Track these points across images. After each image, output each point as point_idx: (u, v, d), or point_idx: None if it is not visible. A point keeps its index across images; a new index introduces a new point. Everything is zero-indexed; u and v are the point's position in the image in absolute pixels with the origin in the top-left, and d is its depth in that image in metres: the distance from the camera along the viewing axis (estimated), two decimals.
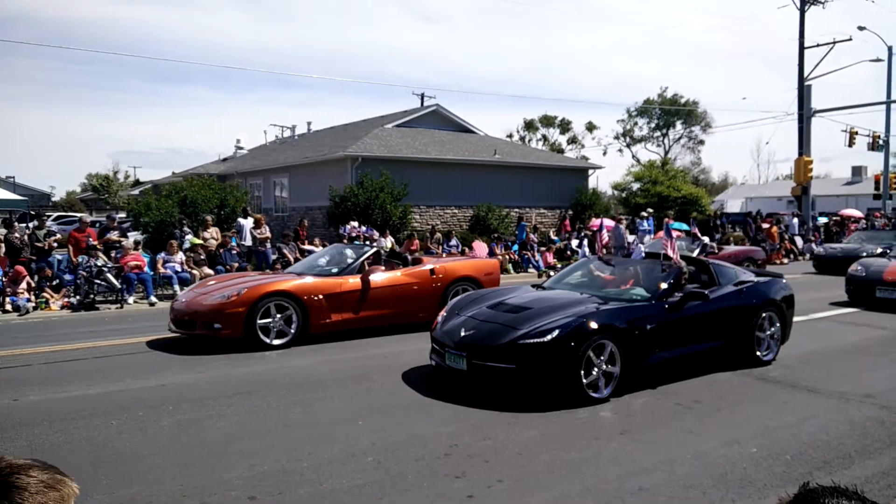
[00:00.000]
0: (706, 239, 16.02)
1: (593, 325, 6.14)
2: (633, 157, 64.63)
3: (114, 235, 15.50)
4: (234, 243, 16.28)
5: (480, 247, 18.76)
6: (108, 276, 13.04)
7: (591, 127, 64.25)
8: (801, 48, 30.00)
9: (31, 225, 15.19)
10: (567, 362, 5.97)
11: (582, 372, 6.04)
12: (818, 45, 29.81)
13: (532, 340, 6.04)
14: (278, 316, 8.68)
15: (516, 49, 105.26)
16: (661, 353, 6.70)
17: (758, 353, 7.64)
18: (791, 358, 8.15)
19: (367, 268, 9.65)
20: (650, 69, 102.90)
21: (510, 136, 61.52)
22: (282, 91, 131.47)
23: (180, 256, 14.56)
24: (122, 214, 29.01)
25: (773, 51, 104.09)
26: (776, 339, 7.91)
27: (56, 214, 36.84)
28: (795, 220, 26.91)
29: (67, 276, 13.58)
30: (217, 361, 8.01)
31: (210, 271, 14.51)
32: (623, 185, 32.77)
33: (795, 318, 8.57)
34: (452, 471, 4.61)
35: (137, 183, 56.11)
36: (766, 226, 24.78)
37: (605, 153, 66.66)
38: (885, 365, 8.02)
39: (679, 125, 64.49)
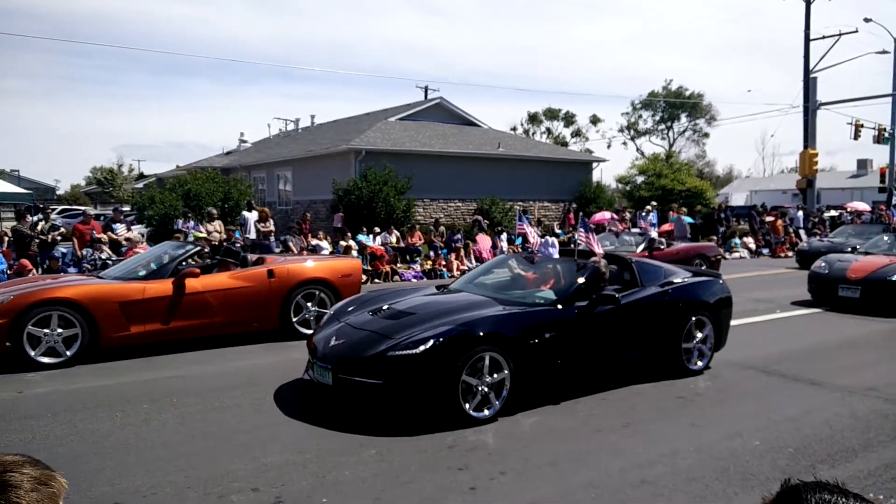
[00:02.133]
0: (654, 233, 15.16)
1: (477, 333, 5.41)
2: (638, 150, 64.54)
3: (121, 229, 15.54)
4: (237, 237, 16.30)
5: (484, 240, 18.74)
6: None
7: (595, 120, 64.16)
8: (807, 40, 29.83)
9: (36, 218, 15.22)
10: (442, 377, 5.21)
11: (460, 388, 5.28)
12: (824, 38, 29.64)
13: (402, 352, 5.27)
14: (58, 329, 7.27)
15: (520, 42, 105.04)
16: (566, 364, 5.98)
17: (685, 362, 6.93)
18: (794, 351, 8.15)
19: (183, 270, 8.31)
20: (655, 62, 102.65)
21: (514, 129, 61.44)
22: (285, 84, 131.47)
23: None
24: (127, 208, 29.07)
25: (779, 43, 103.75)
26: (709, 346, 7.16)
27: (61, 208, 36.92)
28: (801, 213, 26.82)
29: (72, 269, 13.61)
30: (222, 354, 8.04)
31: None
32: (627, 178, 32.73)
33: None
34: (455, 463, 4.62)
35: (142, 176, 56.16)
36: (770, 219, 24.70)
37: (609, 146, 66.36)
38: (888, 358, 8.01)
39: (684, 118, 64.31)
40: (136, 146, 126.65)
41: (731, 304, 7.51)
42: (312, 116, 37.57)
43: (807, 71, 29.67)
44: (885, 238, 13.27)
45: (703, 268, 14.12)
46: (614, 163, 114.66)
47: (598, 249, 7.33)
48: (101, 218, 19.76)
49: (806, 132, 29.23)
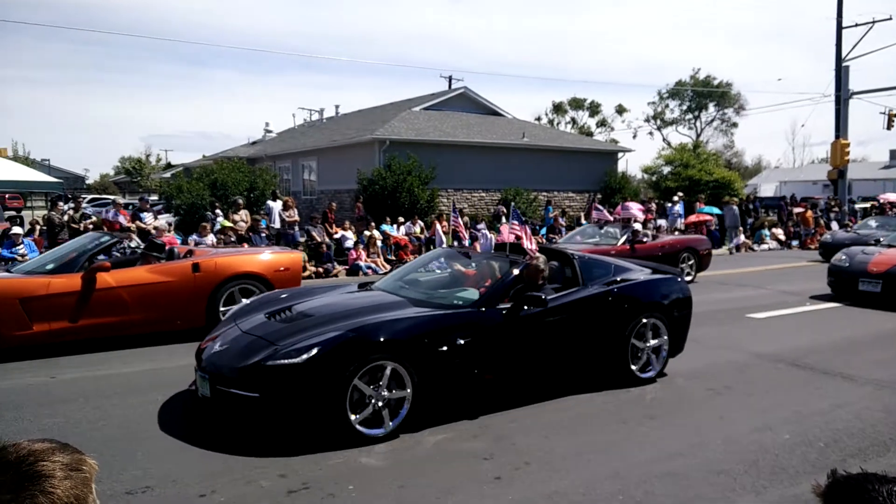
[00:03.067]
0: (638, 225, 14.22)
1: (373, 340, 4.80)
2: (664, 140, 63.70)
3: (148, 217, 15.76)
4: (263, 226, 16.43)
5: (507, 230, 18.66)
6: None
7: (620, 110, 63.43)
8: (839, 28, 29.16)
9: (68, 206, 15.49)
10: (327, 390, 4.59)
11: (348, 403, 4.66)
12: (856, 25, 28.93)
13: (282, 362, 4.66)
14: None
15: (546, 30, 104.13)
16: (485, 374, 5.36)
17: (633, 369, 6.26)
18: (823, 345, 8.01)
19: (94, 264, 7.78)
20: (683, 50, 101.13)
21: (538, 119, 60.98)
22: (310, 74, 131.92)
23: (211, 238, 14.75)
24: (155, 197, 29.45)
25: (811, 30, 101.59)
26: (662, 351, 6.50)
27: (90, 197, 37.54)
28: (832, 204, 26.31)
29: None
30: None
31: None
32: (653, 168, 32.30)
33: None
34: (479, 453, 4.63)
35: (169, 166, 56.82)
36: (800, 210, 24.27)
37: (635, 136, 65.57)
38: None
39: (712, 107, 63.28)
40: (163, 136, 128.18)
41: (689, 306, 6.81)
42: (337, 106, 37.72)
43: (839, 59, 29.03)
44: None
45: (692, 262, 13.58)
46: (640, 153, 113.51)
47: (532, 244, 6.78)
48: (130, 207, 20.05)
49: (838, 122, 28.64)
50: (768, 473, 4.29)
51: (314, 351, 4.68)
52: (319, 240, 16.42)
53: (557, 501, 3.92)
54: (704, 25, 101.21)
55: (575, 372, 6.11)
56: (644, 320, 6.33)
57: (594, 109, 63.44)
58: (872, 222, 19.31)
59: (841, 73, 28.86)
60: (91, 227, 14.96)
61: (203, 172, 20.58)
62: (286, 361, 4.66)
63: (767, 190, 53.76)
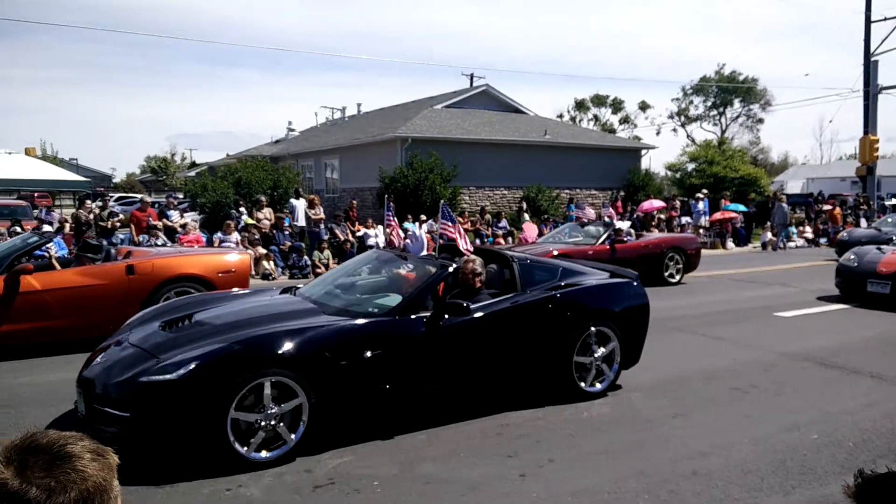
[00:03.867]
0: (621, 224, 13.53)
1: (262, 353, 4.33)
2: (688, 136, 63.03)
3: (174, 215, 15.98)
4: (287, 223, 16.56)
5: (530, 228, 18.62)
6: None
7: (644, 106, 62.87)
8: (868, 22, 28.63)
9: (95, 205, 15.77)
10: (205, 410, 4.10)
11: (229, 424, 4.16)
12: (885, 19, 28.38)
13: (155, 378, 4.17)
14: None
15: (568, 27, 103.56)
16: (398, 390, 4.83)
17: (579, 383, 5.68)
18: (854, 344, 7.89)
19: (18, 266, 7.29)
20: (708, 46, 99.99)
21: (560, 116, 60.71)
22: (332, 73, 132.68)
23: (236, 236, 14.90)
24: (180, 195, 29.81)
25: (838, 25, 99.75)
26: (613, 362, 5.91)
27: (117, 195, 38.10)
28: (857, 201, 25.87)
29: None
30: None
31: (264, 251, 14.82)
32: (677, 165, 31.99)
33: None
34: (504, 450, 4.63)
35: (194, 165, 57.49)
36: (828, 207, 23.90)
37: (658, 133, 64.95)
38: None
39: (737, 103, 62.49)
40: (188, 135, 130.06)
41: (645, 312, 6.22)
42: (359, 105, 37.89)
43: (867, 54, 28.51)
44: None
45: (678, 262, 13.01)
46: (663, 150, 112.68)
47: (467, 245, 6.37)
48: (156, 205, 20.34)
49: (866, 117, 28.13)
50: (797, 474, 4.24)
51: (192, 366, 4.17)
52: (343, 237, 16.52)
53: (583, 499, 3.91)
54: (730, 20, 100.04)
55: (510, 386, 5.56)
56: (592, 329, 5.75)
57: (617, 106, 62.96)
58: (892, 219, 18.76)
59: (869, 68, 28.35)
60: (119, 224, 15.20)
61: (227, 171, 20.79)
62: (159, 378, 4.17)
63: (794, 187, 52.97)
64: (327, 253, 15.17)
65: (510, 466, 4.35)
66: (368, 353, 4.66)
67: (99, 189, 22.72)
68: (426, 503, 3.90)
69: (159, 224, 14.63)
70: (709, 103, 63.23)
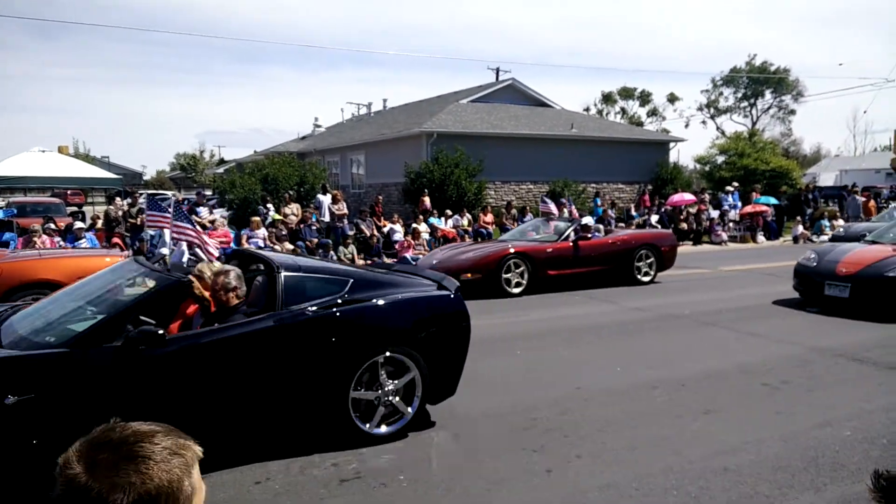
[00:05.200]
0: (588, 219, 12.75)
1: None
2: (718, 128, 62.06)
3: (204, 212, 16.19)
4: (314, 219, 16.68)
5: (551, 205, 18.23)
6: (197, 250, 13.62)
7: (672, 98, 62.06)
8: None
9: (126, 202, 16.05)
10: None
11: None
12: None
13: None
14: None
15: (595, 18, 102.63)
16: (57, 448, 2.87)
17: (360, 425, 4.61)
18: (887, 339, 7.71)
19: None
20: (738, 36, 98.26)
21: (587, 109, 60.15)
22: (359, 69, 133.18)
23: (263, 232, 15.05)
24: (209, 192, 30.19)
25: (873, 14, 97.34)
26: (414, 397, 4.83)
27: (148, 192, 38.70)
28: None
29: (163, 250, 14.26)
30: None
31: (290, 246, 14.95)
32: (707, 158, 31.53)
33: None
34: (531, 445, 4.62)
35: (222, 162, 58.11)
36: (862, 199, 23.40)
37: (687, 125, 64.05)
38: None
39: (768, 94, 61.32)
40: (217, 132, 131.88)
41: (465, 334, 5.08)
42: (384, 100, 37.96)
43: None
44: None
45: (651, 260, 12.26)
46: (692, 143, 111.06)
47: (213, 252, 5.28)
48: (185, 202, 20.61)
49: None
50: (829, 470, 4.16)
51: None
52: (368, 233, 16.59)
53: (610, 494, 3.88)
54: (761, 10, 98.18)
55: (262, 432, 4.52)
56: (382, 357, 4.69)
57: (645, 99, 62.24)
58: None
59: None
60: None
61: (255, 167, 21.02)
62: None
63: (827, 179, 51.86)
64: (352, 248, 15.25)
65: (536, 461, 4.34)
66: (11, 399, 3.53)
67: (128, 187, 23.07)
68: (452, 497, 3.90)
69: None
70: (739, 95, 62.20)
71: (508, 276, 11.10)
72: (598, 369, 6.52)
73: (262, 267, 5.12)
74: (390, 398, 4.75)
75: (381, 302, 4.83)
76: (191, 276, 4.77)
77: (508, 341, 7.68)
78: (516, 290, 11.08)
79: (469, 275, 10.65)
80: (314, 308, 4.57)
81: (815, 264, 9.79)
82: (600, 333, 8.24)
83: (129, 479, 1.03)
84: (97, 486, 1.01)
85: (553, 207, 15.18)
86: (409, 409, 4.81)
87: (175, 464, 1.08)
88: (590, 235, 12.22)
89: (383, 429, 4.72)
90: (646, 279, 12.34)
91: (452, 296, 5.17)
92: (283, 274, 4.68)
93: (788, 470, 4.17)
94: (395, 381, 4.77)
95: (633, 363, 6.73)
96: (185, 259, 5.19)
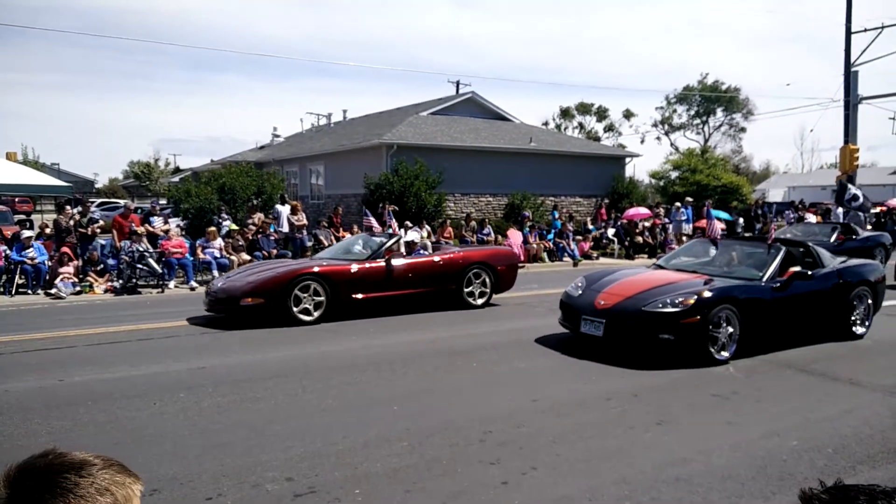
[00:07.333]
0: (413, 235, 11.77)
1: None
2: (672, 144, 63.58)
3: (158, 221, 15.84)
4: (272, 230, 16.49)
5: (515, 235, 18.66)
6: (150, 261, 13.33)
7: (628, 114, 63.40)
8: (848, 33, 29.05)
9: (76, 210, 15.62)
10: None
11: None
12: (865, 30, 28.82)
13: None
14: None
15: (554, 35, 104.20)
16: None
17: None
18: (833, 351, 7.96)
19: None
20: (691, 55, 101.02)
21: (546, 123, 60.99)
22: (319, 79, 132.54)
23: (219, 242, 14.81)
24: (163, 201, 29.59)
25: (820, 35, 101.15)
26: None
27: (100, 201, 37.74)
28: (840, 210, 26.18)
29: (111, 261, 13.91)
30: (255, 344, 8.14)
31: (247, 257, 14.73)
32: (661, 173, 32.28)
33: None
34: (486, 457, 4.62)
35: (177, 170, 57.09)
36: (810, 216, 24.17)
37: (642, 141, 65.92)
38: None
39: (720, 112, 63.16)
40: (172, 140, 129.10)
41: None
42: (344, 111, 37.81)
43: (847, 64, 28.91)
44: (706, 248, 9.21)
45: (484, 280, 11.04)
46: (648, 158, 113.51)
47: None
48: (139, 211, 20.16)
49: (847, 127, 28.51)
50: (777, 479, 4.27)
51: None
52: (327, 244, 16.47)
53: None
54: (713, 30, 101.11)
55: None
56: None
57: (602, 114, 63.41)
58: (796, 230, 17.82)
59: (850, 79, 28.75)
60: (99, 230, 15.04)
61: (211, 176, 20.68)
62: None
63: (776, 195, 53.58)
64: None
65: (492, 474, 4.34)
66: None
67: (78, 195, 22.46)
68: None
69: (141, 230, 14.50)
70: (692, 112, 63.86)
71: (303, 300, 9.49)
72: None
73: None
74: None
75: None
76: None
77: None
78: (308, 318, 9.46)
79: (250, 299, 9.29)
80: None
81: (578, 293, 8.19)
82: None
83: None
84: None
85: (374, 221, 12.35)
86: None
87: (102, 501, 1.02)
88: (424, 253, 11.18)
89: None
90: (476, 303, 11.07)
91: None
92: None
93: (738, 479, 4.26)
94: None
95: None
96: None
